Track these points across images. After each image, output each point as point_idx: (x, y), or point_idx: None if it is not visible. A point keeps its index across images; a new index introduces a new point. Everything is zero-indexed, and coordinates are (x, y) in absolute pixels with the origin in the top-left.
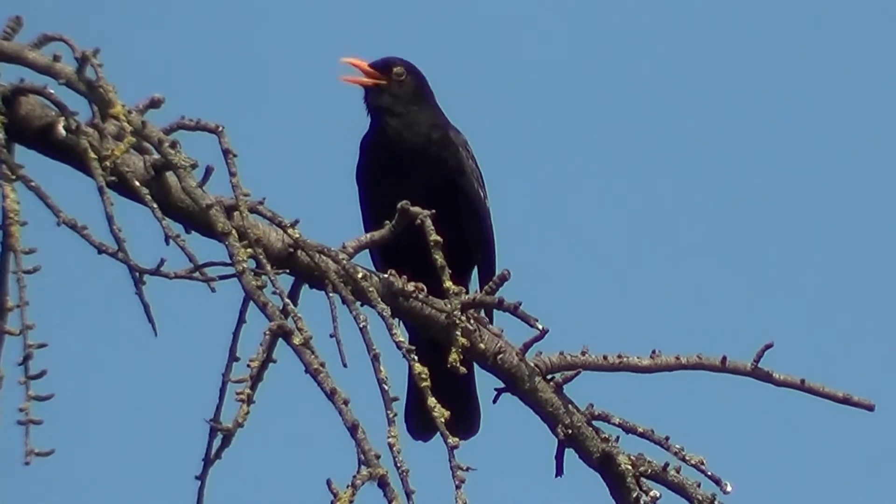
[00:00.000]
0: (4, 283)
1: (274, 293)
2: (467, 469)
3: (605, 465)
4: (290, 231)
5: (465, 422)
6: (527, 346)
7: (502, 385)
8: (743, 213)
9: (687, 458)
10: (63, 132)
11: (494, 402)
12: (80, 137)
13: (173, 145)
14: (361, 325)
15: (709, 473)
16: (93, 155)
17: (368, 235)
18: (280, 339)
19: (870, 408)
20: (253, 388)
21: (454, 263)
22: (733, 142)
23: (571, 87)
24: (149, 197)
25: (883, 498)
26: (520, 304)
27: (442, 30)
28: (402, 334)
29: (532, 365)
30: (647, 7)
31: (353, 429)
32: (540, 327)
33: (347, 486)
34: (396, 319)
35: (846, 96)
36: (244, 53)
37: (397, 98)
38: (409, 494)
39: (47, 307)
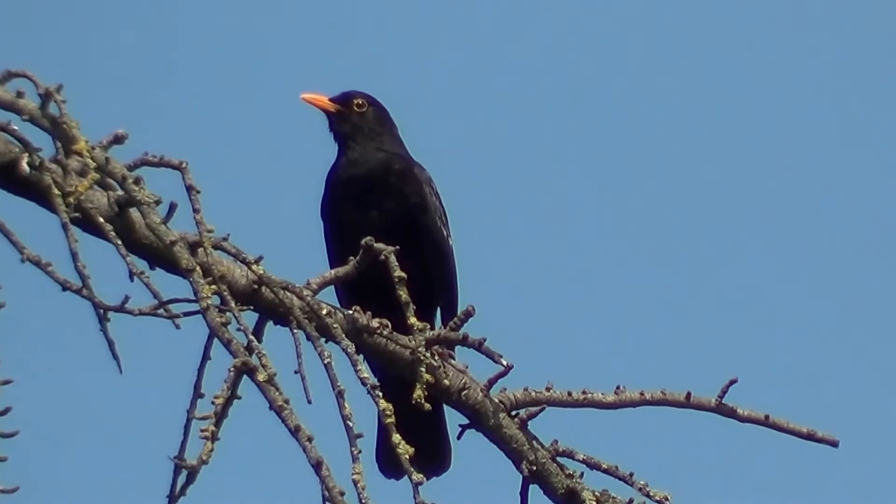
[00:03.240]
0: None
1: (238, 330)
2: None
3: (570, 502)
4: (254, 267)
5: (436, 458)
6: (491, 382)
7: (467, 421)
8: (706, 247)
9: (651, 493)
10: (27, 168)
11: (459, 438)
12: (43, 173)
13: (137, 181)
14: (326, 362)
15: None
16: (56, 191)
17: (333, 272)
18: (245, 376)
19: (834, 443)
20: (217, 424)
21: (418, 300)
22: (695, 176)
23: (532, 124)
24: (113, 233)
25: None
26: (484, 341)
27: (407, 71)
28: (367, 370)
29: (497, 401)
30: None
31: (317, 466)
32: (504, 363)
33: None
34: (361, 356)
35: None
36: (208, 88)
37: (357, 127)
38: None
39: (12, 344)
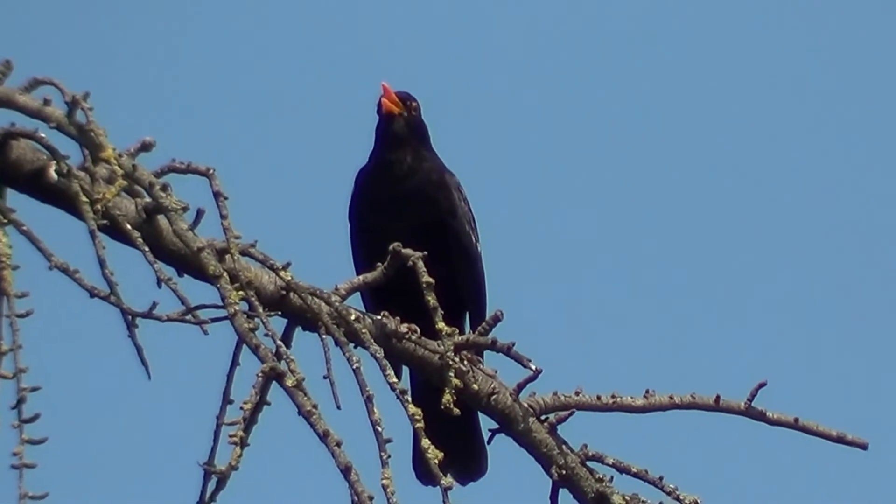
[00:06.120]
0: None
1: (266, 335)
2: None
3: None
4: (281, 273)
5: (472, 464)
6: (520, 387)
7: (496, 426)
8: (735, 252)
9: (681, 497)
10: (54, 176)
11: (488, 442)
12: (71, 181)
13: (164, 188)
14: (355, 367)
15: None
16: (84, 198)
17: (361, 277)
18: (273, 382)
19: (863, 446)
20: (246, 430)
21: (446, 305)
22: (717, 180)
23: (564, 128)
24: (140, 240)
25: None
26: (513, 345)
27: (432, 76)
28: (395, 375)
29: (526, 405)
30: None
31: (346, 471)
32: (533, 368)
33: None
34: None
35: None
36: (234, 93)
37: (412, 130)
38: None
39: (40, 351)
